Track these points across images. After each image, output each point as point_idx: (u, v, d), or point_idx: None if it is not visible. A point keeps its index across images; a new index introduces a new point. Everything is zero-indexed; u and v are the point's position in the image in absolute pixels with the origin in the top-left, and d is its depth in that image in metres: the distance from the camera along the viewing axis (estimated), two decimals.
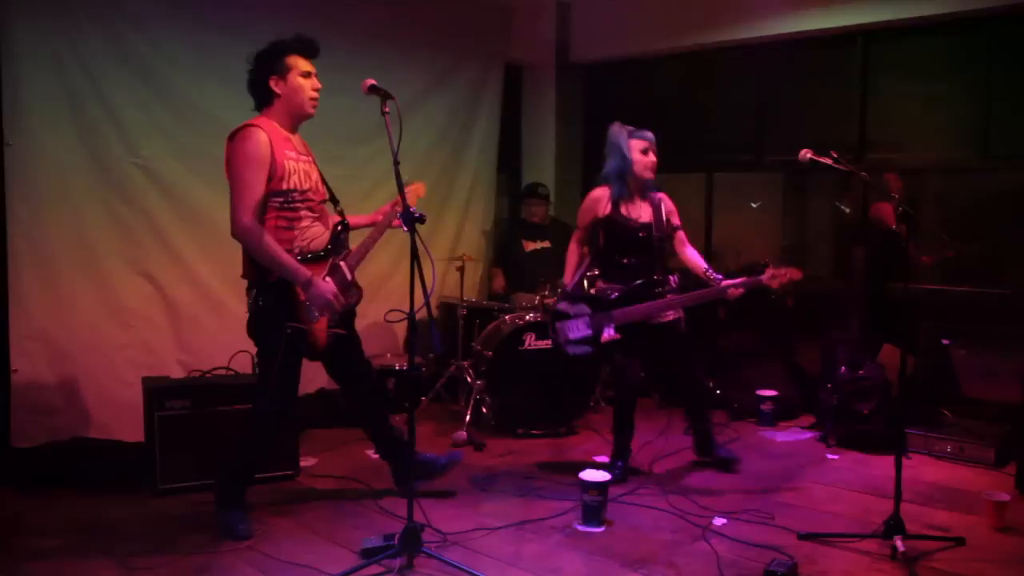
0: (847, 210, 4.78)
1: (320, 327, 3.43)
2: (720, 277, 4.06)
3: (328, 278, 3.43)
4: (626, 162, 4.10)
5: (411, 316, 3.11)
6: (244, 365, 4.28)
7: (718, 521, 3.65)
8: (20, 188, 4.09)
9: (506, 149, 6.47)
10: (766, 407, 5.28)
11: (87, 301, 4.32)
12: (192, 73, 4.59)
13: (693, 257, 4.24)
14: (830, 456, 4.68)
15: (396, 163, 3.10)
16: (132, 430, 4.22)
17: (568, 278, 4.29)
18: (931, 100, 5.28)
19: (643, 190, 4.20)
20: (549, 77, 6.63)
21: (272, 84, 3.42)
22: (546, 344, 4.97)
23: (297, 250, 3.39)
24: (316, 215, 3.51)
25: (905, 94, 5.36)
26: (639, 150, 4.11)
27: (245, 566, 3.16)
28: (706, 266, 4.17)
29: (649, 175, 4.15)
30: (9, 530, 3.46)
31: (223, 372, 4.23)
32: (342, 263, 3.51)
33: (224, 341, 4.42)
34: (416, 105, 5.59)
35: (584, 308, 4.12)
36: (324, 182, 3.60)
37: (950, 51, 5.17)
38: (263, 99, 3.45)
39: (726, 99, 6.10)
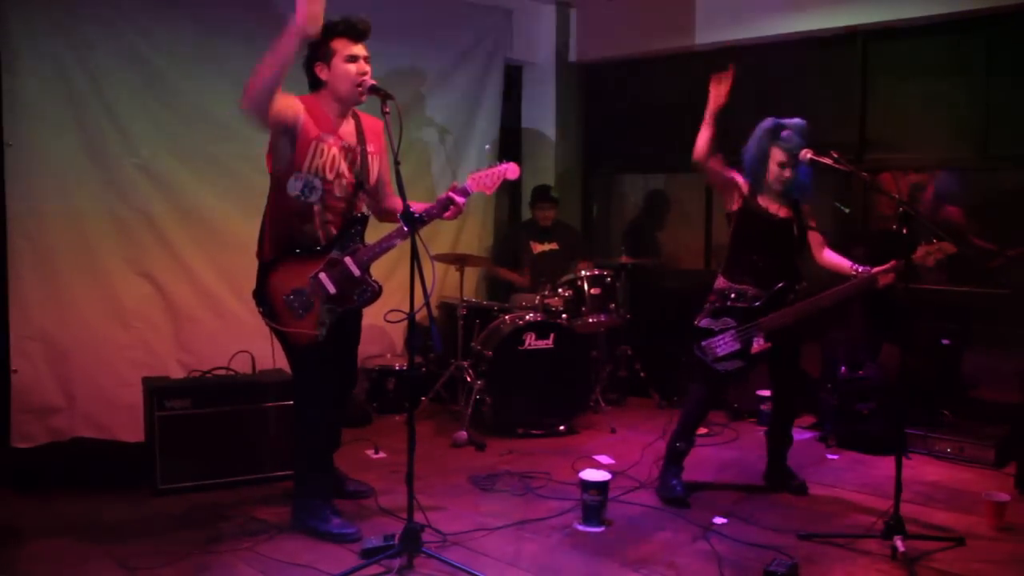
0: (847, 210, 4.77)
1: (301, 329, 3.31)
2: (868, 268, 3.73)
3: (323, 273, 3.33)
4: (762, 167, 3.86)
5: (411, 316, 3.11)
6: (244, 365, 4.28)
7: (718, 521, 3.65)
8: (20, 188, 4.10)
9: (506, 149, 6.46)
10: (766, 407, 5.24)
11: (87, 301, 4.33)
12: (192, 73, 4.60)
13: (835, 258, 3.92)
14: (830, 456, 4.68)
15: (397, 163, 3.09)
16: (132, 430, 4.23)
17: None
18: (931, 100, 5.27)
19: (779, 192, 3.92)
20: (549, 77, 6.63)
21: (317, 71, 3.31)
22: (546, 344, 4.97)
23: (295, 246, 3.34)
24: (336, 210, 3.38)
25: (905, 94, 5.36)
26: (777, 162, 3.81)
27: (245, 566, 3.15)
28: (851, 262, 3.84)
29: (779, 188, 3.86)
30: (9, 530, 3.46)
31: (223, 372, 4.23)
32: (347, 258, 3.35)
33: (224, 341, 4.42)
34: (416, 105, 5.60)
35: (728, 321, 3.86)
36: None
37: (950, 51, 5.16)
38: (312, 84, 3.37)
39: (726, 99, 6.08)
